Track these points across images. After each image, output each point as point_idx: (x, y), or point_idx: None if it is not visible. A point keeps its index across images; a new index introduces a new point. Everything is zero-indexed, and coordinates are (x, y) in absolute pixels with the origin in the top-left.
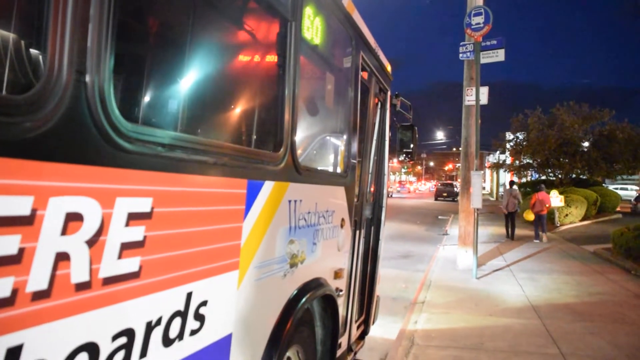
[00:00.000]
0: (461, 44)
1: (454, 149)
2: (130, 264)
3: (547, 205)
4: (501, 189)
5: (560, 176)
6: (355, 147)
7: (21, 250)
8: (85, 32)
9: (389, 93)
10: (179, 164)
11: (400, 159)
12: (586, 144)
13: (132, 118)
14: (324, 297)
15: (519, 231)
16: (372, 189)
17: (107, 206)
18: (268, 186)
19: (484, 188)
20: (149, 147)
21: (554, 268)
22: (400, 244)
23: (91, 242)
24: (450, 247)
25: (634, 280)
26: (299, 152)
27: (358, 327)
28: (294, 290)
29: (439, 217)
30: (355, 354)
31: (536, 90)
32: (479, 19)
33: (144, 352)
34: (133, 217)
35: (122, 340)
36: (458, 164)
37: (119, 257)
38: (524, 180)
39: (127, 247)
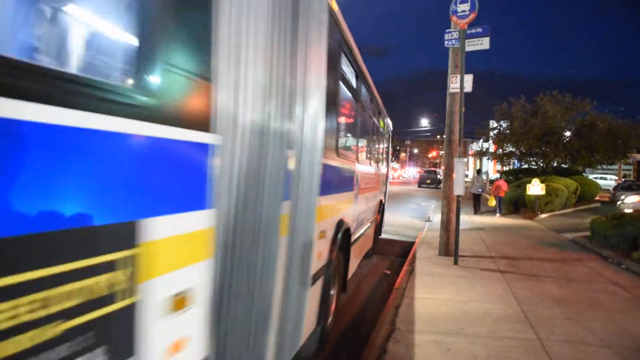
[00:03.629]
0: (446, 31)
1: (438, 137)
2: (374, 185)
3: (504, 190)
4: (484, 177)
5: (542, 165)
6: (386, 159)
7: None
8: None
9: (390, 133)
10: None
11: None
12: (568, 133)
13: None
14: (382, 203)
15: (488, 217)
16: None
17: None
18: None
19: (466, 176)
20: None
21: (534, 255)
22: (383, 229)
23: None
24: (432, 233)
25: (611, 267)
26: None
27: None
28: (382, 198)
29: (422, 203)
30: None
31: (521, 79)
32: (465, 7)
33: (373, 213)
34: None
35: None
36: (442, 152)
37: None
38: (506, 168)
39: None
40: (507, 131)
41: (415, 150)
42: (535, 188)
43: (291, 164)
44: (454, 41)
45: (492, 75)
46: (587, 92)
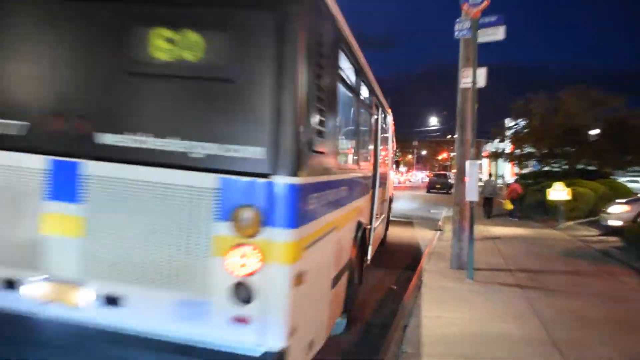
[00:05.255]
0: (457, 20)
1: (449, 137)
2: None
3: (518, 192)
4: (499, 181)
5: (565, 167)
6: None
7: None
8: None
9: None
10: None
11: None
12: (594, 132)
13: None
14: (391, 197)
15: (504, 224)
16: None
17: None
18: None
19: (480, 179)
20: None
21: (557, 268)
22: (390, 239)
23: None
24: (443, 243)
25: None
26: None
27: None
28: (391, 193)
29: (432, 211)
30: None
31: (542, 73)
32: None
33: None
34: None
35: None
36: (453, 153)
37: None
38: (525, 171)
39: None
40: (526, 130)
41: (424, 152)
42: (558, 193)
43: (389, 175)
44: (465, 32)
45: (509, 69)
46: (620, 84)
